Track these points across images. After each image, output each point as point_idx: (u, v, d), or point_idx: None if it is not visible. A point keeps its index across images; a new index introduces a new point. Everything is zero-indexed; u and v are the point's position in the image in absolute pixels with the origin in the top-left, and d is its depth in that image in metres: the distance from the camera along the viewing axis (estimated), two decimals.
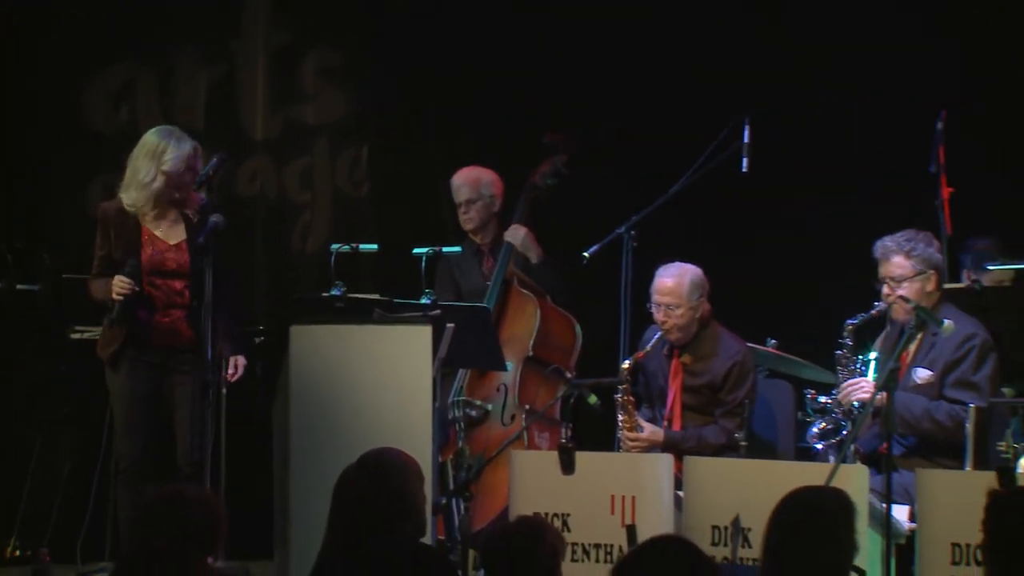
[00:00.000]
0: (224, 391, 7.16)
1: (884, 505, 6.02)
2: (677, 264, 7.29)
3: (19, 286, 8.13)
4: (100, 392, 7.32)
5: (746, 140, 7.46)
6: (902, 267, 6.89)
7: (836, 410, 6.95)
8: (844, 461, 6.11)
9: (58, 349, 7.95)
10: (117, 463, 7.21)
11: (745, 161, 7.47)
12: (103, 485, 7.52)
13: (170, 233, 7.18)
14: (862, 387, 6.82)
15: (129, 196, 7.16)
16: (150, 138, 7.17)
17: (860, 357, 7.07)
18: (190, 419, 7.00)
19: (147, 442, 7.16)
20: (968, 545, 5.67)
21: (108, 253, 7.19)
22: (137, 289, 7.02)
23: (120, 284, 6.99)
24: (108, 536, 7.50)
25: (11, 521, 8.06)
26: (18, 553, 8.04)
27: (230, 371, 7.19)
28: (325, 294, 7.22)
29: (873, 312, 6.94)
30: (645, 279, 7.33)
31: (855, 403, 6.80)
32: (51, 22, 8.72)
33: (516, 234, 7.84)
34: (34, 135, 8.76)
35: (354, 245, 7.50)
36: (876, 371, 6.93)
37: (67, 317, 7.90)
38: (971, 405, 6.60)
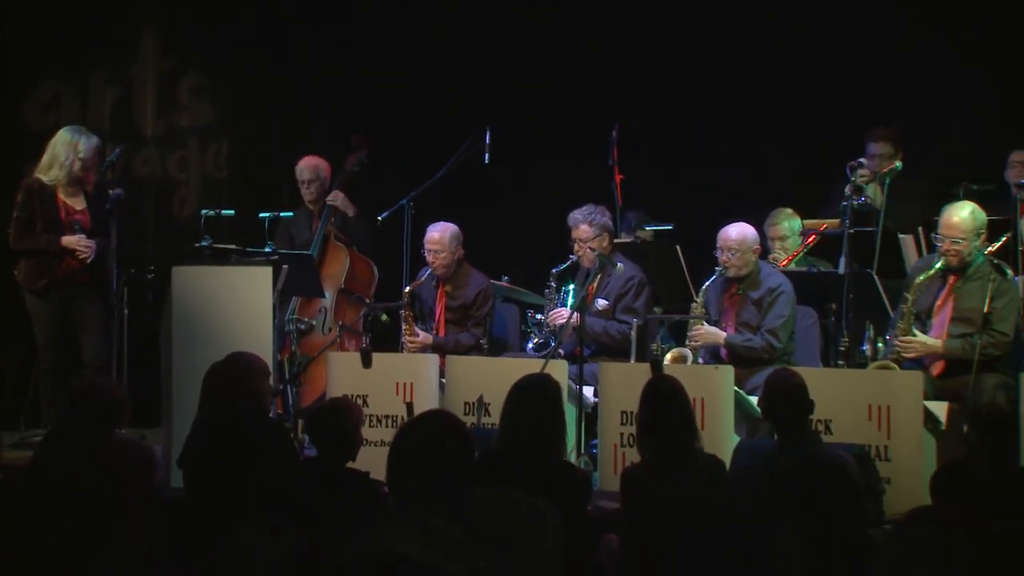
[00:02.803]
0: (126, 312, 6.98)
1: (578, 386, 6.17)
2: (441, 223, 7.31)
3: None
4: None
5: (487, 141, 7.49)
6: (586, 232, 7.01)
7: (546, 329, 7.09)
8: (553, 358, 6.22)
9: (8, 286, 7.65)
10: (40, 364, 7.06)
11: (487, 156, 7.51)
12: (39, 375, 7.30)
13: (76, 202, 7.01)
14: (561, 314, 6.99)
15: (51, 175, 6.96)
16: (64, 134, 7.02)
17: (564, 289, 7.20)
18: (94, 332, 6.92)
19: (60, 349, 7.00)
20: (630, 412, 5.73)
21: (29, 216, 6.97)
22: (92, 244, 6.86)
23: (85, 244, 6.84)
24: (44, 411, 7.26)
25: None
26: None
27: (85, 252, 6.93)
28: (197, 244, 7.09)
29: (568, 263, 7.08)
30: (420, 234, 7.34)
31: (557, 324, 6.96)
32: None
33: (336, 198, 7.77)
34: None
35: (217, 211, 7.37)
36: (574, 297, 7.08)
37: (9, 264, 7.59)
38: (633, 323, 6.76)
